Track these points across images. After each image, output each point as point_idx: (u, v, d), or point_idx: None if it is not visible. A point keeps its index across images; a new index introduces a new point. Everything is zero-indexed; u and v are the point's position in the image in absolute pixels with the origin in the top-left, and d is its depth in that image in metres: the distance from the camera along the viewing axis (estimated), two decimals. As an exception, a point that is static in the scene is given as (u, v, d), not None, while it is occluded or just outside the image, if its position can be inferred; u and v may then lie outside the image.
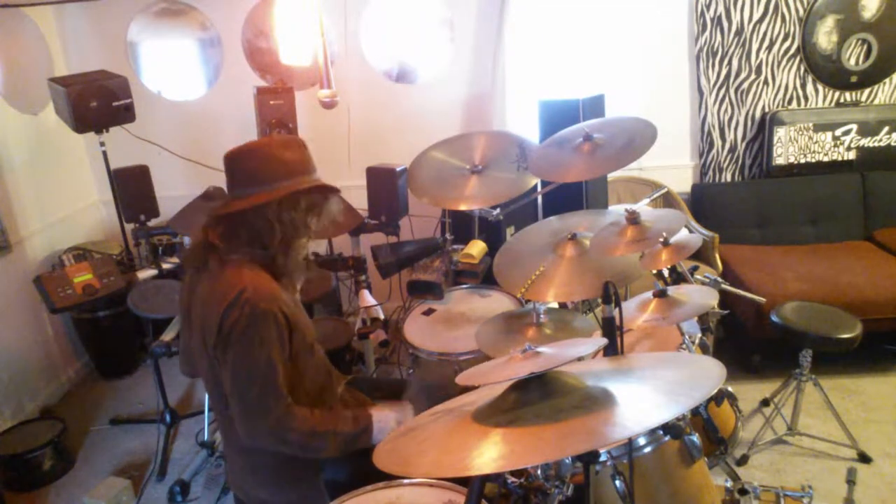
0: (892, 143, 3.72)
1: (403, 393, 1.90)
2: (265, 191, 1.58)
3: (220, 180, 1.70)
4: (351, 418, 1.65)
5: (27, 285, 3.10)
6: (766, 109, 3.79)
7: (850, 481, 1.88)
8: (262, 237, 1.61)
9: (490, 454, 0.96)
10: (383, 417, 1.69)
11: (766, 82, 3.75)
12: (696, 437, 1.46)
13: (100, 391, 3.61)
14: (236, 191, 1.61)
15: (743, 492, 1.76)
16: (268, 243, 1.62)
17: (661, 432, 1.43)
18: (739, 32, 3.67)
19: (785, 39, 3.68)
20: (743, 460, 2.69)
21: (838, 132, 3.72)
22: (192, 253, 1.68)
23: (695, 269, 2.18)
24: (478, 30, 3.71)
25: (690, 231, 3.50)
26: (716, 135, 3.85)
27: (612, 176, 3.64)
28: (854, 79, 3.74)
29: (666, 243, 1.73)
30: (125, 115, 3.09)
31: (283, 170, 1.60)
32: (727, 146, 3.87)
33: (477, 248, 2.63)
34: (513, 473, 1.51)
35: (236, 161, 1.61)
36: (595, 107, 3.18)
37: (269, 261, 1.64)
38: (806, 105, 3.80)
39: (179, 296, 1.75)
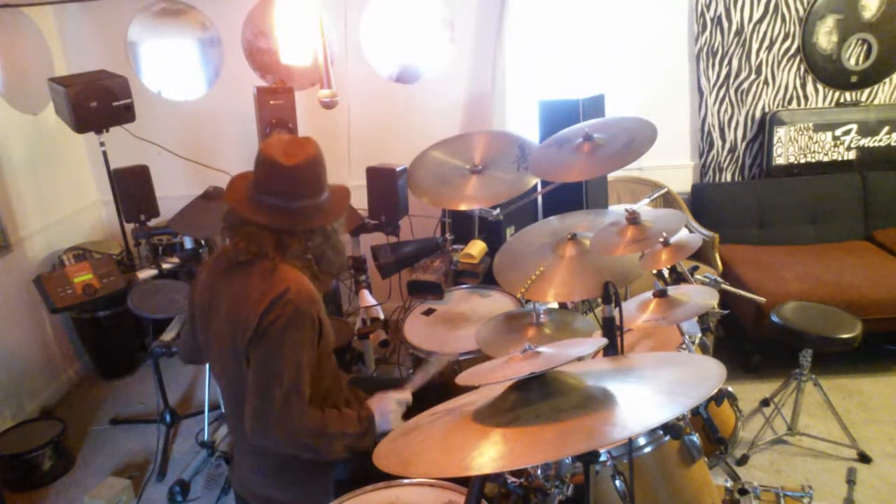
0: (892, 143, 3.72)
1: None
2: (328, 202, 1.64)
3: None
4: (356, 418, 1.65)
5: (27, 285, 3.10)
6: (766, 109, 3.79)
7: (850, 481, 1.88)
8: (314, 246, 1.64)
9: (490, 454, 0.96)
10: (383, 404, 1.71)
11: (766, 82, 3.76)
12: (696, 437, 1.47)
13: (100, 391, 3.61)
14: (311, 199, 1.61)
15: (743, 492, 1.76)
16: (318, 251, 1.65)
17: (661, 432, 1.43)
18: (739, 32, 3.67)
19: (785, 39, 3.68)
20: (743, 460, 2.69)
21: (838, 132, 3.72)
22: (237, 257, 1.62)
23: (695, 269, 2.19)
24: (478, 30, 3.71)
25: (690, 231, 3.50)
26: (716, 135, 3.85)
27: (612, 176, 3.64)
28: (854, 79, 3.74)
29: (666, 243, 1.73)
30: (125, 115, 3.09)
31: (326, 176, 1.67)
32: (727, 146, 3.87)
33: (477, 248, 2.63)
34: (513, 473, 1.51)
35: (313, 168, 1.61)
36: (595, 107, 3.18)
37: (311, 263, 1.65)
38: (806, 105, 3.80)
39: (195, 292, 1.73)
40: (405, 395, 1.76)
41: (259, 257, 1.59)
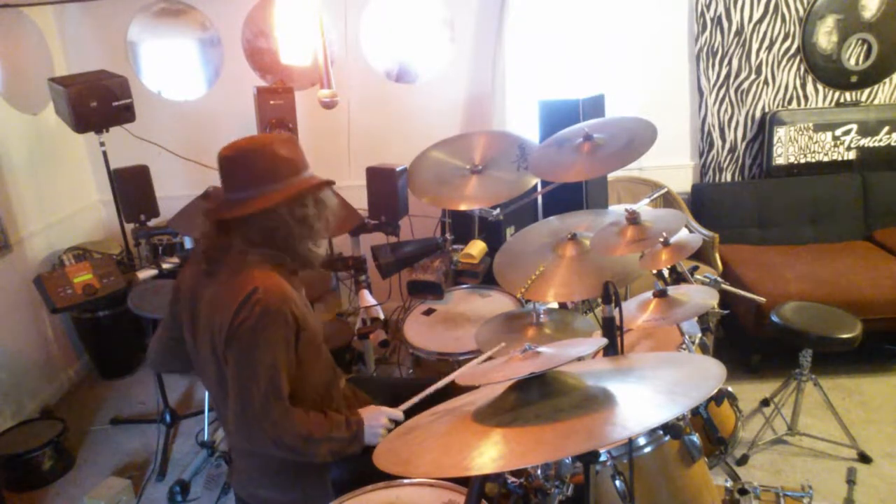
0: (892, 143, 3.72)
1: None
2: (275, 190, 1.57)
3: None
4: (344, 423, 1.63)
5: (27, 285, 3.10)
6: (766, 109, 3.79)
7: (850, 481, 1.87)
8: (275, 237, 1.61)
9: (490, 454, 0.96)
10: (374, 416, 1.69)
11: (766, 82, 3.75)
12: (696, 437, 1.46)
13: (100, 391, 3.61)
14: (242, 192, 1.58)
15: (743, 492, 1.76)
16: (282, 243, 1.62)
17: (661, 432, 1.43)
18: (739, 32, 3.67)
19: (785, 39, 3.68)
20: (743, 460, 2.69)
21: (838, 132, 3.72)
22: (206, 258, 1.63)
23: (695, 269, 2.19)
24: (478, 30, 3.71)
25: (690, 231, 3.50)
26: (716, 135, 3.85)
27: (612, 176, 3.64)
28: (854, 79, 3.74)
29: (666, 243, 1.74)
30: (125, 115, 3.09)
31: (287, 168, 1.60)
32: (727, 146, 3.87)
33: (477, 248, 2.63)
34: (513, 473, 1.50)
35: (238, 161, 1.59)
36: (595, 107, 3.18)
37: (283, 259, 1.64)
38: (806, 105, 3.80)
39: (180, 294, 1.72)
40: (397, 414, 1.73)
41: (222, 257, 1.59)
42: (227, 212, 1.59)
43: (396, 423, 1.70)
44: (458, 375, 1.81)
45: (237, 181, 1.60)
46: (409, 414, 1.66)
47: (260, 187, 1.57)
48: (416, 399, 1.78)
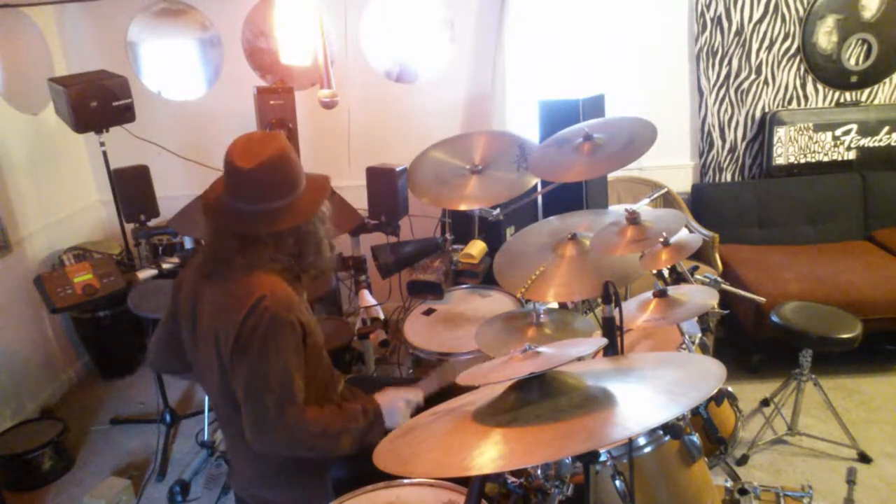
0: (892, 143, 3.72)
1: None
2: (302, 196, 1.58)
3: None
4: (360, 412, 1.62)
5: (27, 285, 3.10)
6: (766, 109, 3.79)
7: (850, 481, 1.88)
8: (308, 243, 1.60)
9: (490, 454, 0.96)
10: (391, 400, 1.68)
11: (766, 82, 3.76)
12: (696, 437, 1.47)
13: (100, 391, 3.61)
14: (270, 203, 1.55)
15: (743, 492, 1.76)
16: (314, 248, 1.62)
17: (661, 432, 1.43)
18: (739, 32, 3.67)
19: (785, 39, 3.68)
20: (743, 460, 2.69)
21: (838, 132, 3.72)
22: (209, 263, 1.62)
23: (695, 269, 2.18)
24: (478, 30, 3.71)
25: (690, 231, 3.50)
26: (716, 135, 3.85)
27: (612, 176, 3.64)
28: (854, 79, 3.74)
29: (666, 243, 1.73)
30: (125, 114, 3.09)
31: (300, 171, 1.61)
32: (727, 146, 3.87)
33: (477, 248, 2.63)
34: (513, 473, 1.51)
35: (263, 174, 1.53)
36: (595, 107, 3.18)
37: (291, 265, 1.62)
38: (806, 105, 3.80)
39: (181, 294, 1.71)
40: (416, 396, 1.72)
41: (229, 263, 1.56)
42: (261, 224, 1.55)
43: (417, 405, 1.70)
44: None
45: (264, 193, 1.55)
46: (427, 402, 1.66)
47: (289, 196, 1.57)
48: (433, 384, 1.80)
